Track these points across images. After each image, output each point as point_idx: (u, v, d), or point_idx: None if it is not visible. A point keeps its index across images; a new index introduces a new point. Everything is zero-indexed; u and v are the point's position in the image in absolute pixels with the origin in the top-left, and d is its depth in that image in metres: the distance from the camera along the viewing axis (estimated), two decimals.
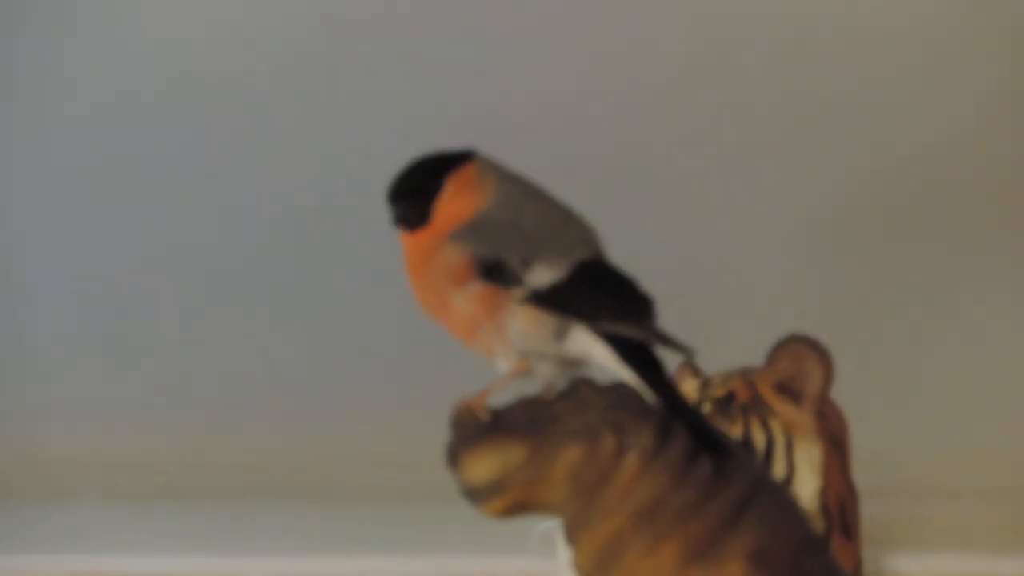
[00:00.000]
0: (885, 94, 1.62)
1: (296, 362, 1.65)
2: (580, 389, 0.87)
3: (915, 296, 1.63)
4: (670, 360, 0.87)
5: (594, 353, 0.86)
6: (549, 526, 1.16)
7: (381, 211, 0.89)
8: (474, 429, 0.85)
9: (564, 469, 0.83)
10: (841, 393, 1.19)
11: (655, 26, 1.62)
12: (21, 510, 1.49)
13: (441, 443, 0.86)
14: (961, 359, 1.61)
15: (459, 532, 1.32)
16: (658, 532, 0.83)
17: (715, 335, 1.28)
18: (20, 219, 1.66)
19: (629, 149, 1.64)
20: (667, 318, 0.87)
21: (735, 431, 1.15)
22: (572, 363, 0.87)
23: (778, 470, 1.15)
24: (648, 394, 0.84)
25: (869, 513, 1.21)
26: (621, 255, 0.90)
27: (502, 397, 0.87)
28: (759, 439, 1.15)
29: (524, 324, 0.85)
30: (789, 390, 1.17)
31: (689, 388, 1.20)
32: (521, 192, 0.88)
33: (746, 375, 1.18)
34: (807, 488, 1.14)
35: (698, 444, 0.84)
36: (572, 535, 0.85)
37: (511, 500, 0.84)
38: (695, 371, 1.22)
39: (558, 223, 0.88)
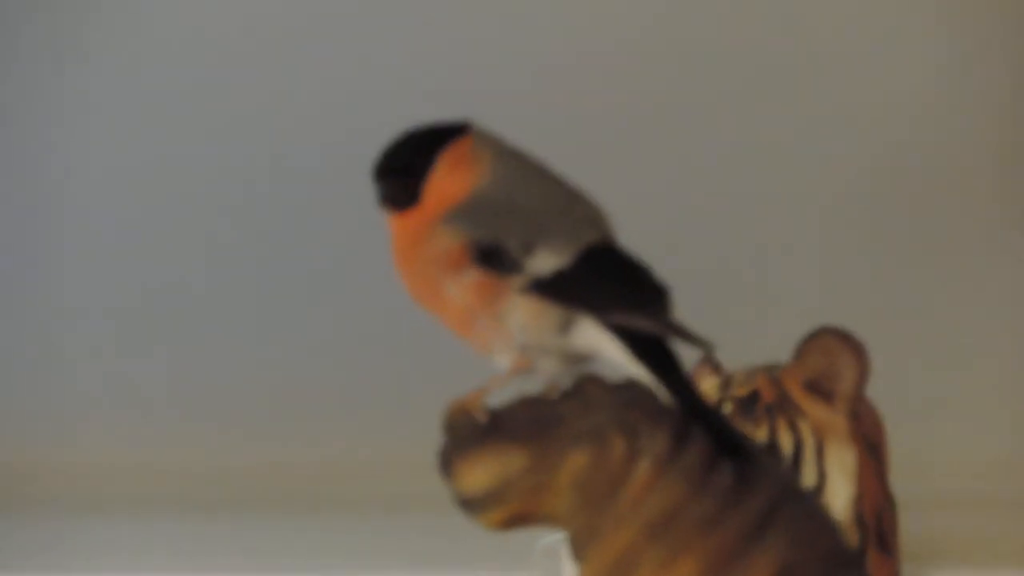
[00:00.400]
0: (901, 81, 1.70)
1: (273, 360, 1.71)
2: (587, 388, 0.86)
3: (953, 289, 1.68)
4: (687, 356, 0.86)
5: (603, 348, 0.84)
6: (553, 540, 1.17)
7: (367, 191, 0.88)
8: (470, 432, 0.84)
9: (569, 476, 0.83)
10: (876, 393, 1.19)
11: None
12: None
13: (433, 448, 0.85)
14: (1006, 363, 1.65)
15: (453, 546, 1.32)
16: (674, 546, 0.82)
17: (737, 328, 1.31)
18: None
19: (641, 129, 1.70)
20: (684, 309, 0.86)
21: (759, 434, 1.15)
22: (578, 359, 0.85)
23: (807, 477, 1.14)
24: (663, 393, 0.83)
25: (908, 525, 1.22)
26: (632, 240, 0.88)
27: (501, 397, 0.85)
28: (786, 443, 1.14)
29: (525, 316, 0.84)
30: (820, 389, 1.16)
31: (708, 387, 1.20)
32: (521, 169, 0.87)
33: (771, 372, 1.18)
34: (840, 497, 1.13)
35: (718, 449, 0.83)
36: (579, 550, 0.84)
37: (511, 511, 0.83)
38: (715, 368, 1.22)
39: (563, 203, 0.86)
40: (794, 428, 1.15)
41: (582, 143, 1.66)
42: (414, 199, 0.86)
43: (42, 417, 1.70)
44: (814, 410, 1.15)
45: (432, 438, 0.86)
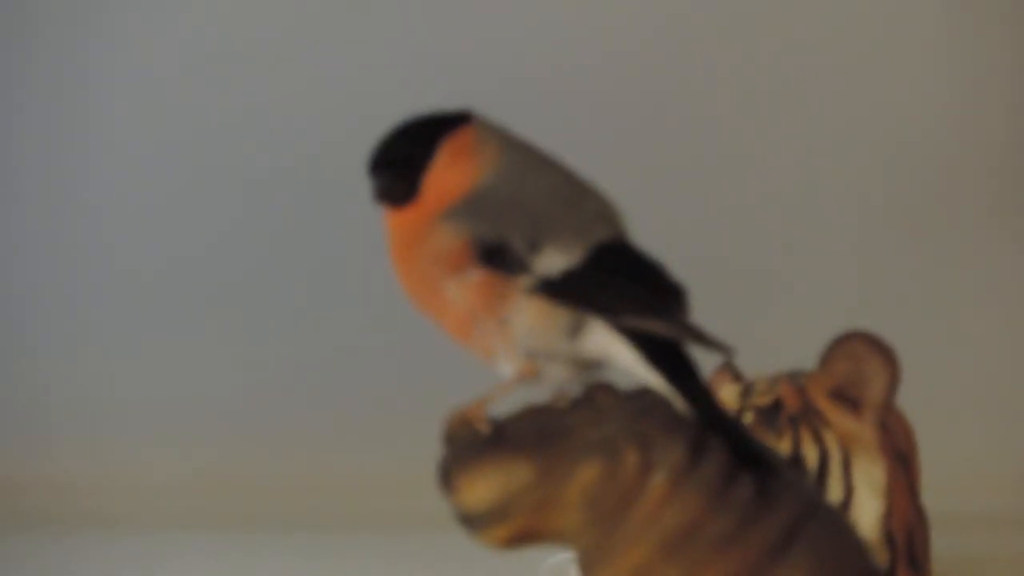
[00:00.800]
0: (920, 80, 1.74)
1: (260, 369, 1.74)
2: (597, 396, 0.85)
3: (983, 292, 1.72)
4: (705, 361, 0.86)
5: (614, 353, 0.84)
6: (561, 559, 1.18)
7: (361, 184, 0.89)
8: (472, 444, 0.83)
9: (579, 491, 0.82)
10: (907, 403, 1.19)
11: None
12: None
13: (432, 461, 0.85)
14: None
15: (453, 566, 1.33)
16: (691, 565, 0.81)
17: (759, 332, 1.30)
18: None
19: (658, 124, 1.74)
20: (701, 311, 0.86)
21: (783, 445, 1.15)
22: (588, 365, 0.85)
23: (833, 491, 1.14)
24: (679, 402, 0.83)
25: (941, 544, 1.22)
26: (646, 238, 0.88)
27: (505, 406, 0.85)
28: (811, 455, 1.14)
29: (531, 318, 0.83)
30: (846, 397, 1.16)
31: (728, 395, 1.19)
32: (527, 161, 0.86)
33: (795, 380, 1.18)
34: (868, 513, 1.14)
35: (738, 461, 0.83)
36: (589, 569, 0.84)
37: (516, 528, 0.83)
38: (735, 375, 1.22)
39: (572, 198, 0.85)
40: (819, 439, 1.14)
41: (593, 136, 1.69)
42: (412, 193, 0.85)
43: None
44: (840, 420, 1.15)
45: (431, 450, 0.86)
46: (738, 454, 0.83)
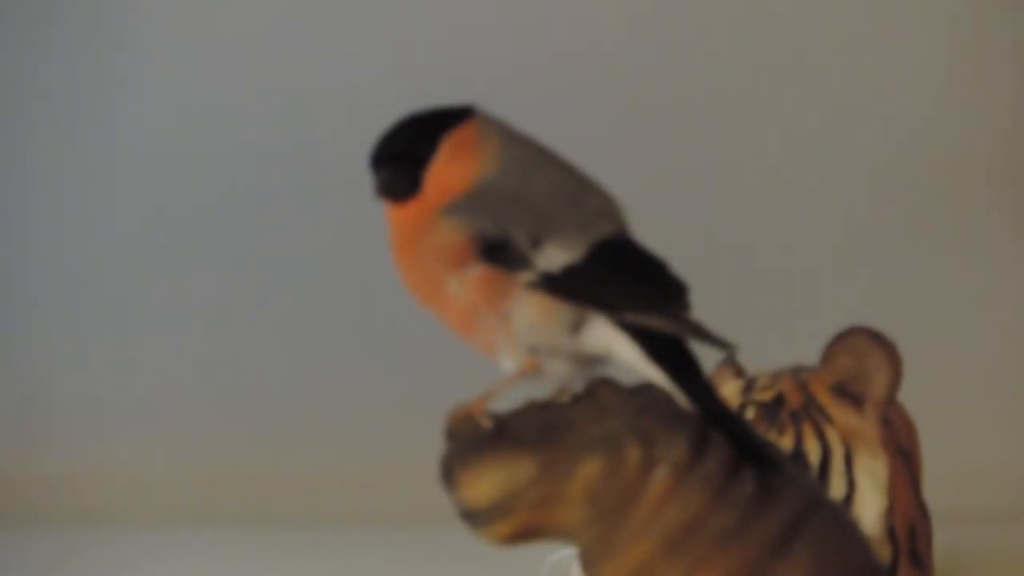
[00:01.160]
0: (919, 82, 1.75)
1: (259, 363, 1.74)
2: (599, 392, 0.85)
3: (985, 288, 1.72)
4: (707, 357, 0.85)
5: (616, 349, 0.83)
6: (563, 555, 1.18)
7: (362, 179, 0.88)
8: (474, 440, 0.83)
9: (581, 487, 0.82)
10: (909, 399, 1.19)
11: None
12: None
13: (434, 456, 0.85)
14: None
15: (455, 563, 1.33)
16: (693, 561, 0.81)
17: (760, 327, 1.30)
18: None
19: (661, 119, 1.74)
20: (703, 307, 0.85)
21: (784, 441, 1.15)
22: (590, 361, 0.85)
23: (835, 487, 1.14)
24: (681, 398, 0.83)
25: (943, 540, 1.21)
26: (648, 234, 0.88)
27: (507, 401, 0.85)
28: (813, 451, 1.14)
29: (533, 314, 0.83)
30: (849, 392, 1.16)
31: (730, 391, 1.19)
32: (530, 156, 0.86)
33: (797, 375, 1.18)
34: (870, 509, 1.13)
35: (740, 457, 0.83)
36: (591, 565, 0.83)
37: (518, 524, 0.82)
38: (737, 370, 1.22)
39: (574, 194, 0.85)
40: (821, 435, 1.14)
41: (594, 132, 1.68)
42: (414, 188, 0.85)
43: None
44: (843, 416, 1.15)
45: (433, 446, 0.86)
46: (740, 450, 0.82)
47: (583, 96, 1.75)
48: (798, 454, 1.13)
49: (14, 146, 1.80)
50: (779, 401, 1.16)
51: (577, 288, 0.83)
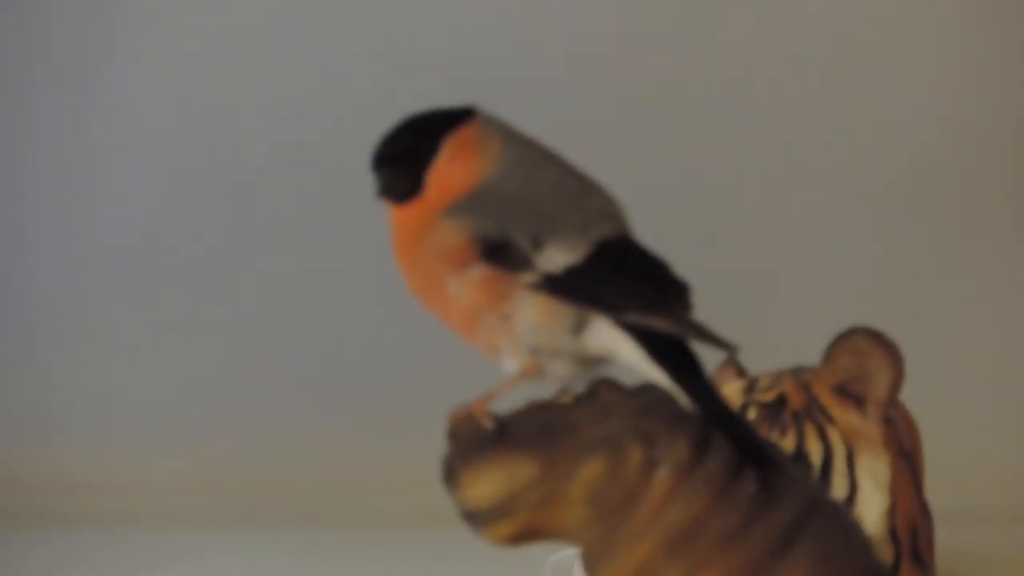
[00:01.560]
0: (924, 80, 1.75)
1: (264, 366, 1.74)
2: (601, 393, 0.85)
3: (986, 291, 1.71)
4: (708, 358, 0.85)
5: (618, 350, 0.83)
6: (564, 556, 1.19)
7: (364, 180, 0.88)
8: (475, 441, 0.83)
9: (582, 487, 0.82)
10: (911, 399, 1.19)
11: None
12: None
13: (435, 457, 0.85)
14: None
15: (456, 563, 1.32)
16: (695, 562, 0.81)
17: (762, 328, 1.30)
18: None
19: (666, 122, 1.73)
20: (704, 308, 0.85)
21: (786, 442, 1.15)
22: (592, 362, 0.85)
23: (837, 488, 1.14)
24: (682, 398, 0.82)
25: (945, 539, 1.21)
26: (649, 235, 0.88)
27: (508, 402, 0.84)
28: (815, 451, 1.14)
29: (535, 315, 0.83)
30: (850, 393, 1.16)
31: (731, 391, 1.19)
32: (531, 157, 0.86)
33: (799, 376, 1.18)
34: (872, 509, 1.14)
35: (742, 457, 0.83)
36: (592, 566, 0.83)
37: (519, 524, 0.82)
38: (738, 371, 1.23)
39: (575, 195, 0.85)
40: (823, 435, 1.14)
41: (597, 133, 1.68)
42: (416, 189, 0.85)
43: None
44: (844, 416, 1.15)
45: (434, 446, 0.86)
46: (742, 450, 0.82)
47: (584, 96, 1.75)
48: (800, 454, 1.13)
49: (14, 146, 1.79)
50: (781, 401, 1.16)
51: (579, 289, 0.83)
